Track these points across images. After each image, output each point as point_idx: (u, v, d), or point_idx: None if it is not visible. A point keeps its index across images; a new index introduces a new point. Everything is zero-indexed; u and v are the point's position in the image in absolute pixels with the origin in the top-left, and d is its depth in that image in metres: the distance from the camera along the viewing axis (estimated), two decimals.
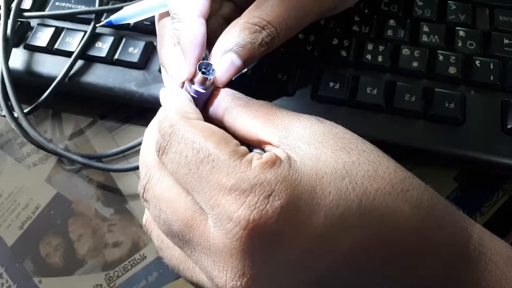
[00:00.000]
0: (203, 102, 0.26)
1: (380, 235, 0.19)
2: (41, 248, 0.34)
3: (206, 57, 0.27)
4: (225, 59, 0.26)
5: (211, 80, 0.25)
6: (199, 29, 0.26)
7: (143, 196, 0.23)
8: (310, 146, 0.21)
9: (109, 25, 0.31)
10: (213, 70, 0.25)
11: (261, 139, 0.22)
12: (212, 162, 0.20)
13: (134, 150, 0.36)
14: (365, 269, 0.20)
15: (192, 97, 0.25)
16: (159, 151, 0.22)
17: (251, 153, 0.20)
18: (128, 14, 0.29)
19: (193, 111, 0.23)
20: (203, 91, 0.25)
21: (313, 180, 0.19)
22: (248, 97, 0.25)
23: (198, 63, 0.25)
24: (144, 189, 0.23)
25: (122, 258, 0.33)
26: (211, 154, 0.20)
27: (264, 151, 0.22)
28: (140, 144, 0.35)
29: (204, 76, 0.24)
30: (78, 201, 0.35)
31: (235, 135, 0.23)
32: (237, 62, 0.26)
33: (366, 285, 0.21)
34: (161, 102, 0.25)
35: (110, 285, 0.32)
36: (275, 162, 0.19)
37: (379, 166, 0.21)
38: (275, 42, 0.27)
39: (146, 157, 0.24)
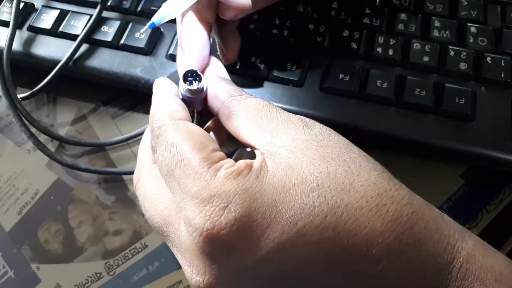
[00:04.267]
0: (199, 101, 0.26)
1: (346, 250, 0.19)
2: (39, 234, 0.33)
3: None
4: None
5: (199, 88, 0.25)
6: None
7: (136, 194, 0.25)
8: (291, 154, 0.21)
9: (153, 27, 0.28)
10: (199, 78, 0.25)
11: (249, 143, 0.23)
12: (183, 167, 0.21)
13: (138, 138, 0.35)
14: (330, 282, 0.20)
15: (185, 97, 0.25)
16: (152, 150, 0.23)
17: (223, 161, 0.21)
18: (168, 12, 0.27)
19: (180, 109, 0.24)
20: (191, 96, 0.25)
21: (277, 192, 0.20)
22: (243, 93, 0.25)
23: (184, 71, 0.25)
24: (136, 187, 0.25)
25: (123, 246, 0.32)
26: (184, 159, 0.21)
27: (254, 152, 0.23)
28: (144, 132, 0.35)
29: (189, 87, 0.25)
30: (78, 187, 0.34)
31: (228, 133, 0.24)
32: None
33: None
34: (153, 92, 0.25)
35: (110, 274, 0.32)
36: (240, 172, 0.20)
37: (357, 178, 0.20)
38: None
39: (140, 158, 0.26)
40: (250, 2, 0.26)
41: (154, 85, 0.26)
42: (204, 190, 0.20)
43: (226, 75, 0.27)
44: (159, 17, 0.28)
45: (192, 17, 0.28)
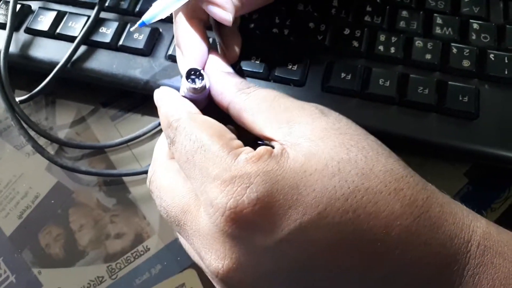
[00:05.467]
0: (202, 99, 0.25)
1: (366, 232, 0.20)
2: (40, 238, 0.33)
3: None
4: None
5: (202, 86, 0.25)
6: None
7: (149, 188, 0.25)
8: (311, 143, 0.21)
9: (143, 26, 0.28)
10: (202, 76, 0.25)
11: (266, 135, 0.23)
12: (204, 152, 0.21)
13: (138, 140, 0.35)
14: (349, 264, 0.20)
15: (188, 97, 0.25)
16: (170, 143, 0.24)
17: (242, 148, 0.21)
18: (158, 11, 0.27)
19: (193, 106, 0.25)
20: (195, 94, 0.25)
21: (298, 176, 0.20)
22: (251, 85, 0.25)
23: (186, 70, 0.25)
24: (150, 181, 0.25)
25: (125, 249, 0.32)
26: (204, 145, 0.21)
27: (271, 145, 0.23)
28: (144, 134, 0.35)
29: (192, 86, 0.25)
30: (79, 190, 0.34)
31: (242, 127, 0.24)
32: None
33: (352, 279, 0.21)
34: (156, 101, 0.26)
35: (112, 277, 0.31)
36: (260, 157, 0.20)
37: (376, 164, 0.21)
38: None
39: (156, 153, 0.26)
40: (230, 19, 0.27)
41: (155, 94, 0.26)
42: (225, 171, 0.20)
43: (228, 68, 0.27)
44: (150, 16, 0.28)
45: (184, 17, 0.27)
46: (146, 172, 0.33)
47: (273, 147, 0.22)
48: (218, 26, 0.30)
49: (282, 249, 0.20)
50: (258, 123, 0.23)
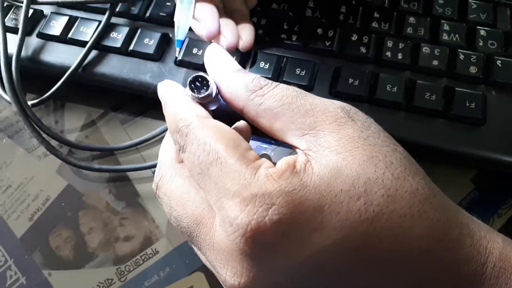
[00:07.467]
0: (209, 104, 0.24)
1: (387, 255, 0.19)
2: (51, 240, 0.33)
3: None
4: None
5: (206, 95, 0.23)
6: None
7: (156, 193, 0.24)
8: (338, 156, 0.20)
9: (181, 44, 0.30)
10: (206, 86, 0.23)
11: (288, 142, 0.22)
12: (220, 165, 0.20)
13: (148, 143, 0.35)
14: (368, 284, 0.20)
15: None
16: (179, 150, 0.22)
17: (259, 160, 0.20)
18: (184, 24, 0.28)
19: (201, 107, 0.23)
20: (200, 102, 0.23)
21: (323, 197, 0.19)
22: (263, 84, 0.23)
23: (190, 78, 0.23)
24: (157, 186, 0.24)
25: (134, 252, 0.32)
26: (220, 157, 0.20)
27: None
28: (153, 137, 0.35)
29: (197, 95, 0.23)
30: (89, 193, 0.34)
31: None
32: None
33: None
34: (161, 96, 0.24)
35: (121, 280, 0.32)
36: (282, 173, 0.19)
37: (403, 183, 0.20)
38: None
39: (162, 156, 0.25)
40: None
41: (160, 87, 0.24)
42: (245, 189, 0.19)
43: (237, 66, 0.24)
44: (182, 33, 0.30)
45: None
46: (151, 167, 0.34)
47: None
48: (231, 13, 0.31)
49: (301, 270, 0.20)
50: (277, 129, 0.22)
